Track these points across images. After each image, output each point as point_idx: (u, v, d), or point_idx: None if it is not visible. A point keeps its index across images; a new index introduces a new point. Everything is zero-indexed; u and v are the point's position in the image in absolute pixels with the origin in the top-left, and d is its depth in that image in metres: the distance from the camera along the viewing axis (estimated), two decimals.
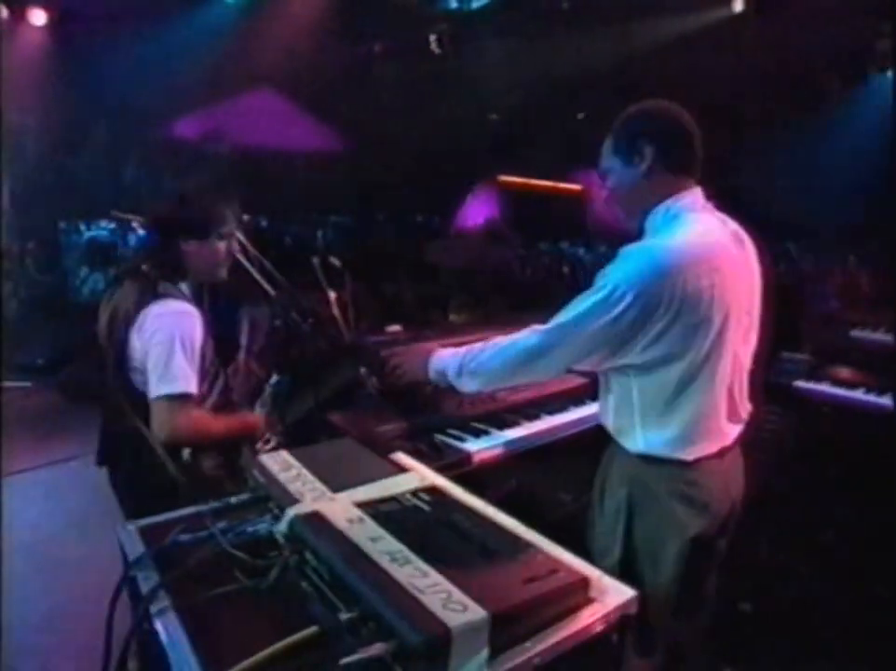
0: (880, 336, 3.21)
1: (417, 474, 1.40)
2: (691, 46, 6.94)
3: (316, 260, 2.38)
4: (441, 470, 1.50)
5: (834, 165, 8.02)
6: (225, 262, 1.97)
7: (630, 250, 1.42)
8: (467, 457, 1.85)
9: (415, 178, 8.89)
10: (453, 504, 1.29)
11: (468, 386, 1.62)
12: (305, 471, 1.39)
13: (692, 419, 1.44)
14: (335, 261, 2.36)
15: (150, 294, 1.79)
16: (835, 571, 2.60)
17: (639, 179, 1.51)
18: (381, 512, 1.23)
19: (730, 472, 1.55)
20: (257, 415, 2.02)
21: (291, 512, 1.22)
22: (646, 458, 1.47)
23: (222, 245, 1.93)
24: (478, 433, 1.96)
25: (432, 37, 6.86)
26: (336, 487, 1.31)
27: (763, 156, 8.48)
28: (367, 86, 7.64)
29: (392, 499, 1.29)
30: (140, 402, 1.78)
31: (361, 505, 1.25)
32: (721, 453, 1.51)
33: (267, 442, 2.00)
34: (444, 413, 2.01)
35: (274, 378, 2.11)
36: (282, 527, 1.21)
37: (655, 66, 7.46)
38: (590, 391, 2.16)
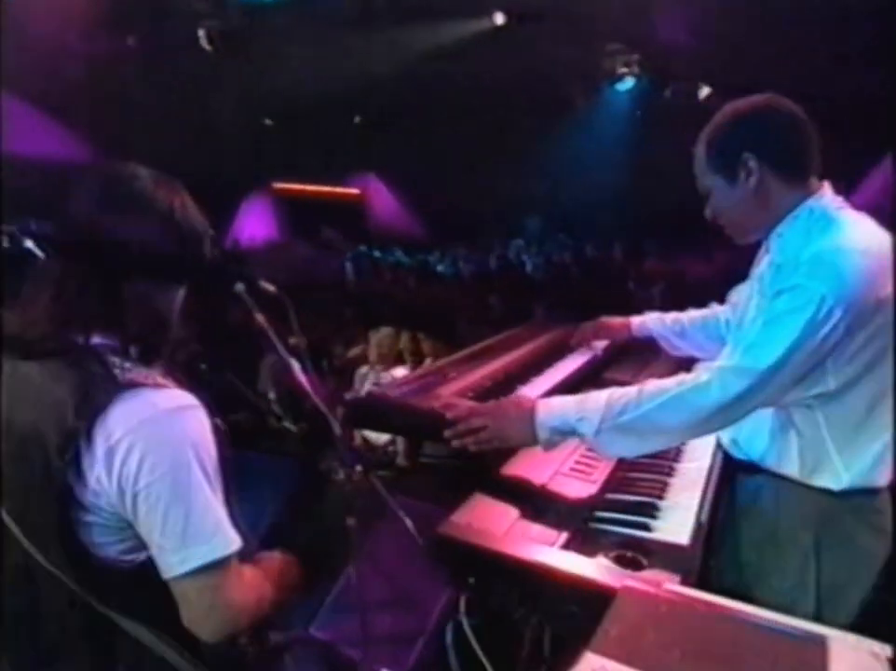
0: None
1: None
2: (462, 53, 7.32)
3: (240, 286, 1.90)
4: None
5: (582, 165, 9.22)
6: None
7: (825, 254, 1.18)
8: (686, 551, 1.18)
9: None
10: None
11: (611, 447, 1.23)
12: None
13: (885, 441, 1.24)
14: (269, 286, 1.90)
15: (110, 383, 0.94)
16: None
17: (750, 196, 1.28)
18: None
19: None
20: (284, 556, 1.25)
21: None
22: (835, 494, 1.27)
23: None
24: (645, 510, 1.27)
25: (201, 31, 6.22)
26: None
27: (524, 157, 9.38)
28: (121, 85, 6.69)
29: None
30: (93, 574, 0.97)
31: None
32: None
33: None
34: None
35: None
36: None
37: (429, 72, 7.76)
38: None
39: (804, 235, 1.25)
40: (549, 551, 1.12)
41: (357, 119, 8.53)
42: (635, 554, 1.12)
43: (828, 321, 1.12)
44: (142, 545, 0.98)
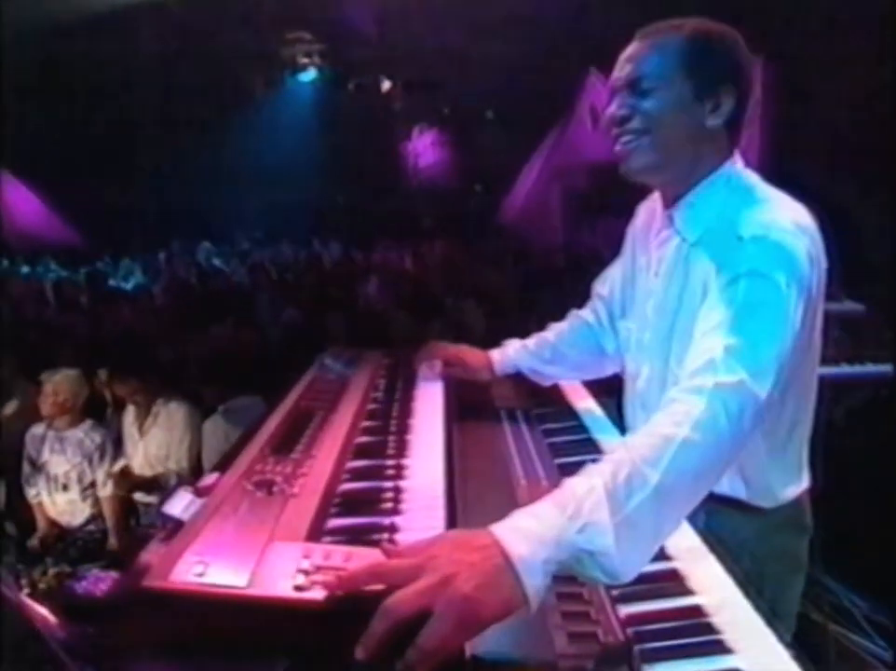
0: None
1: None
2: (114, 29, 6.14)
3: None
4: None
5: (264, 158, 8.56)
6: None
7: (770, 230, 0.96)
8: None
9: None
10: None
11: (636, 554, 0.74)
12: None
13: (804, 437, 1.13)
14: None
15: None
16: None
17: (702, 132, 1.02)
18: None
19: None
20: None
21: None
22: (770, 514, 1.11)
23: None
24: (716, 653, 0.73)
25: None
26: None
27: (199, 149, 8.31)
28: None
29: None
30: None
31: None
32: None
33: None
34: None
35: None
36: None
37: (68, 48, 6.35)
38: None
39: (721, 207, 1.03)
40: None
41: None
42: None
43: (796, 309, 0.91)
44: None
